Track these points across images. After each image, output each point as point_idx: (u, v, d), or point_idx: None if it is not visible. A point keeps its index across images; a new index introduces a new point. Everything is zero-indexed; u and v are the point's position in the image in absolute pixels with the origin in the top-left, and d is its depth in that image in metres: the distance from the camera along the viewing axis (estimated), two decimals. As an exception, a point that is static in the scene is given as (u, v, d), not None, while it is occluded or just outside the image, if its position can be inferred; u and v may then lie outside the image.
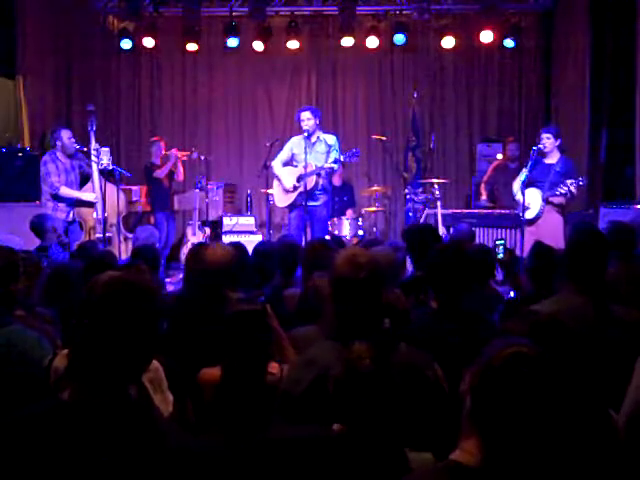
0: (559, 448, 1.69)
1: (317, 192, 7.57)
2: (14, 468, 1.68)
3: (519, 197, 6.84)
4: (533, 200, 6.90)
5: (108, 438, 1.69)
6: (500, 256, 4.94)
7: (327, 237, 7.66)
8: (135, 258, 5.16)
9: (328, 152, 7.55)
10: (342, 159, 7.56)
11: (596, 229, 3.35)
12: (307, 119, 7.50)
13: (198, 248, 3.68)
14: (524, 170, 7.04)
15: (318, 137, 7.57)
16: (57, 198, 7.28)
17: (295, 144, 7.71)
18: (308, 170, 7.43)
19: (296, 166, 7.66)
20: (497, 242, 5.19)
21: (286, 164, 7.74)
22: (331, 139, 7.65)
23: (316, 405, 2.28)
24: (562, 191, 6.73)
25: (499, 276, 5.66)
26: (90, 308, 1.80)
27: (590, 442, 1.97)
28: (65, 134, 7.38)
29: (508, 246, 7.26)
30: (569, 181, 6.74)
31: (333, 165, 7.55)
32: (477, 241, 7.19)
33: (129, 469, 1.68)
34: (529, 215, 6.89)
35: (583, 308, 2.93)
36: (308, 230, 7.66)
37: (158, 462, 1.69)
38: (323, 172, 7.54)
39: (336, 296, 2.54)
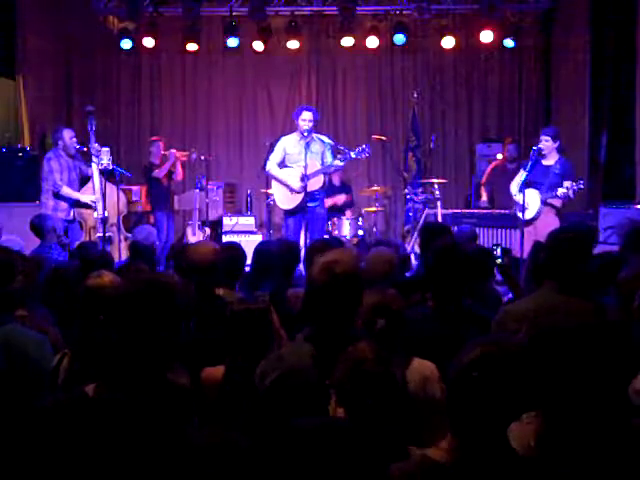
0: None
1: (316, 193, 7.46)
2: (33, 458, 1.69)
3: (518, 198, 6.84)
4: (531, 201, 6.90)
5: (131, 432, 1.70)
6: (499, 261, 4.94)
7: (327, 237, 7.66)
8: (133, 257, 5.18)
9: (323, 152, 7.44)
10: (353, 156, 7.35)
11: (578, 227, 3.34)
12: (309, 119, 7.33)
13: (182, 247, 3.73)
14: (522, 171, 7.04)
15: (312, 137, 7.39)
16: (58, 196, 7.30)
17: (288, 144, 7.50)
18: (309, 170, 7.24)
19: (291, 167, 7.45)
20: (493, 246, 5.18)
21: (280, 165, 7.52)
22: (325, 138, 7.54)
23: (277, 401, 2.33)
24: (560, 194, 6.74)
25: (499, 276, 5.66)
26: (112, 307, 1.81)
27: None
28: (67, 134, 7.41)
29: (507, 246, 7.30)
30: (567, 183, 6.75)
31: (340, 163, 7.46)
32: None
33: (152, 462, 1.69)
34: (527, 215, 6.89)
35: (562, 306, 2.92)
36: (306, 231, 7.51)
37: (181, 455, 1.71)
38: (332, 168, 7.45)
39: (311, 302, 2.52)
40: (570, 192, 6.71)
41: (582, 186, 6.79)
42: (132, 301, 1.80)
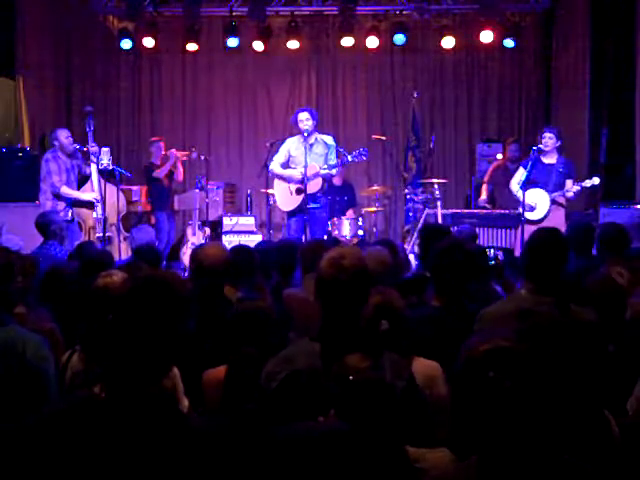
0: (542, 441, 1.68)
1: (318, 195, 7.51)
2: (50, 460, 1.70)
3: (520, 195, 6.85)
4: (540, 201, 6.91)
5: (140, 431, 1.70)
6: (492, 262, 4.96)
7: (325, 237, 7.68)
8: (136, 257, 5.17)
9: (327, 154, 7.47)
10: (350, 159, 7.45)
11: (554, 230, 3.37)
12: (306, 119, 7.38)
13: (196, 248, 3.72)
14: (521, 169, 7.05)
15: (316, 138, 7.46)
16: (57, 197, 7.30)
17: (292, 146, 7.57)
18: (309, 172, 7.30)
19: (294, 168, 7.52)
20: (487, 248, 5.21)
21: (283, 166, 7.60)
22: (329, 140, 7.56)
23: (286, 401, 2.32)
24: (572, 194, 6.80)
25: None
26: (118, 306, 1.82)
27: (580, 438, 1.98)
28: (62, 134, 7.42)
29: (507, 247, 7.31)
30: (569, 183, 6.80)
31: (331, 171, 7.51)
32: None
33: (158, 458, 1.70)
34: (536, 216, 6.90)
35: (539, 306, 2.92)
36: (307, 232, 7.56)
37: (186, 451, 1.71)
38: (324, 172, 7.49)
39: (320, 297, 2.53)
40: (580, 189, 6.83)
41: (597, 183, 6.87)
42: (135, 296, 1.80)
